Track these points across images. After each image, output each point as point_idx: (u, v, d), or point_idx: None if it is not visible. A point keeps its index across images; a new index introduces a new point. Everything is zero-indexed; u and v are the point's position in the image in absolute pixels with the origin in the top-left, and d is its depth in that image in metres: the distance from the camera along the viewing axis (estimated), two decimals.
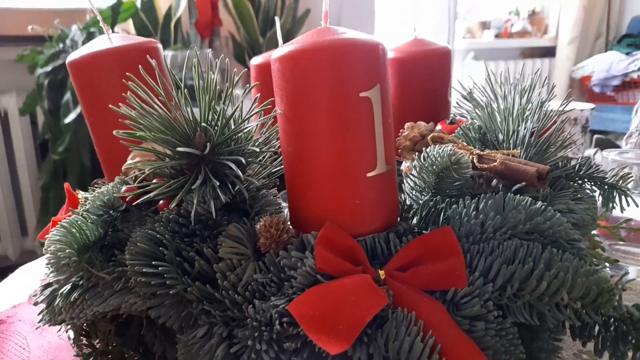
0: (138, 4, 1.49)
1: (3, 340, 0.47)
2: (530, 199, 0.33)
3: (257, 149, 0.33)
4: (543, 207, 0.33)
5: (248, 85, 0.35)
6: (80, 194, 0.45)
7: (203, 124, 0.32)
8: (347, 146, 0.32)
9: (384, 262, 0.32)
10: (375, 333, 0.28)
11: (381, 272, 0.31)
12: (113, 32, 1.33)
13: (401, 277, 0.31)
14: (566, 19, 2.55)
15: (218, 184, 0.31)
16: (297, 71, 0.31)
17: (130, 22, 1.52)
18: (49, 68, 1.41)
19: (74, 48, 1.42)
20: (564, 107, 0.44)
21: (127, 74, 0.31)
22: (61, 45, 1.44)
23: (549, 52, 2.67)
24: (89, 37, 1.41)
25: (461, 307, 0.30)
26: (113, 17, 1.44)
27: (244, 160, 0.32)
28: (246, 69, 0.33)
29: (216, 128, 0.33)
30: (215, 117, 0.33)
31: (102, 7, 1.49)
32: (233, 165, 0.32)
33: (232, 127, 0.34)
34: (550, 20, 2.68)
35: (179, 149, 0.31)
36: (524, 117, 0.42)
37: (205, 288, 0.32)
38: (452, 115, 0.50)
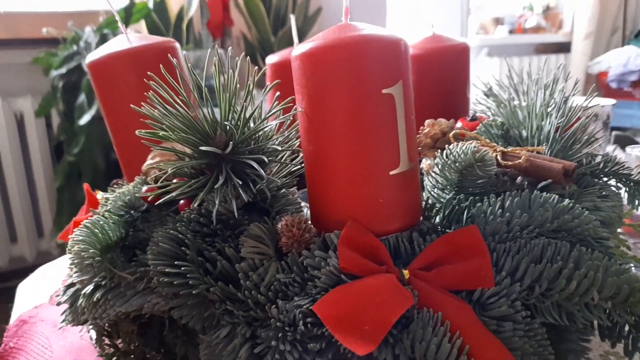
0: (150, 5, 1.50)
1: (26, 340, 0.47)
2: (557, 196, 0.33)
3: (279, 147, 0.32)
4: (570, 204, 0.32)
5: (268, 83, 0.35)
6: (100, 194, 0.45)
7: (224, 123, 0.32)
8: (369, 144, 0.31)
9: (408, 262, 0.32)
10: (401, 334, 0.28)
11: (405, 272, 0.31)
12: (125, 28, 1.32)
13: (426, 276, 0.31)
14: (581, 13, 2.51)
15: (240, 183, 0.31)
16: (318, 68, 0.31)
17: (142, 23, 1.53)
18: (63, 70, 1.42)
19: (88, 50, 1.43)
20: (588, 103, 0.43)
21: (148, 73, 0.31)
22: (75, 47, 1.45)
23: (564, 47, 2.64)
24: (102, 38, 1.42)
25: (488, 308, 0.29)
26: (126, 18, 1.45)
27: (266, 159, 0.31)
28: (257, 68, 0.33)
29: (237, 127, 0.33)
30: (236, 116, 0.33)
31: (115, 8, 1.50)
32: (255, 164, 0.31)
33: (252, 126, 0.33)
34: (565, 15, 2.64)
35: (202, 148, 0.30)
36: (548, 112, 0.42)
37: (227, 288, 0.31)
38: (471, 111, 0.50)
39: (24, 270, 1.65)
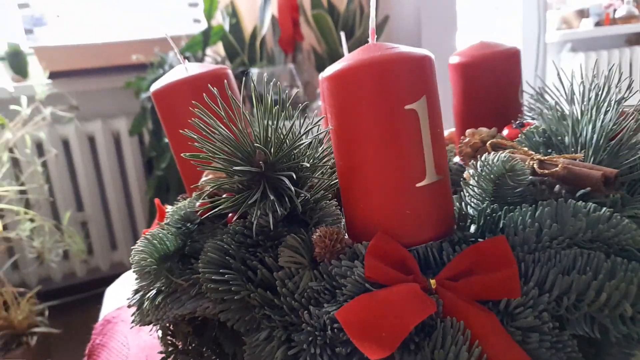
0: (226, 27, 1.60)
1: (109, 338, 0.53)
2: (593, 205, 0.32)
3: (307, 164, 0.35)
4: (607, 213, 0.31)
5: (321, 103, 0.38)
6: (168, 208, 0.50)
7: (256, 144, 0.35)
8: (394, 158, 0.33)
9: (437, 272, 0.33)
10: (423, 341, 0.29)
11: (432, 282, 0.32)
12: (204, 54, 1.42)
13: (453, 286, 0.31)
14: None
15: (273, 198, 0.34)
16: (343, 89, 0.33)
17: (220, 44, 1.63)
18: (151, 90, 1.56)
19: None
20: None
21: (193, 101, 0.35)
22: (161, 71, 1.58)
23: None
24: (184, 59, 1.54)
25: (515, 318, 0.30)
26: (204, 41, 1.56)
27: (294, 175, 0.34)
28: (288, 91, 0.36)
29: (274, 145, 0.36)
30: (272, 136, 0.36)
31: (194, 32, 1.62)
32: (286, 180, 0.34)
33: (288, 144, 0.36)
34: None
35: (237, 168, 0.34)
36: (596, 117, 0.40)
37: (266, 294, 0.34)
38: (519, 118, 0.49)
39: (123, 274, 1.83)
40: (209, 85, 0.41)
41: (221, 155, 0.35)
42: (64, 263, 1.71)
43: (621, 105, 0.41)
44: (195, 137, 0.34)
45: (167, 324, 0.42)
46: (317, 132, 0.38)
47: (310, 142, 0.37)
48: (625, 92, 0.41)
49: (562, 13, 2.34)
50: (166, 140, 1.49)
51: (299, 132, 0.38)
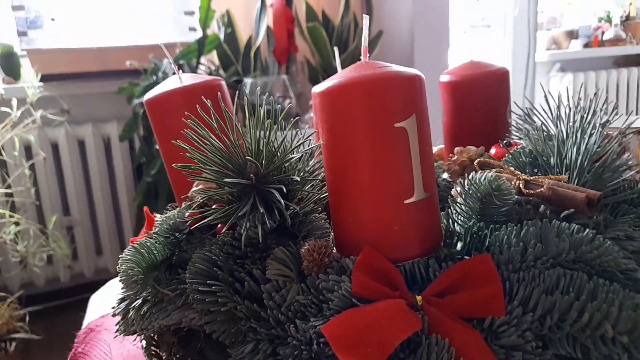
0: (221, 36, 1.61)
1: (92, 347, 0.53)
2: (577, 226, 0.32)
3: (298, 178, 0.35)
4: (590, 235, 0.32)
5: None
6: (157, 217, 0.50)
7: (247, 157, 0.35)
8: (383, 174, 0.33)
9: (423, 288, 0.33)
10: (407, 357, 0.29)
11: (418, 298, 0.32)
12: (199, 63, 1.42)
13: (438, 303, 0.32)
14: None
15: (262, 211, 0.34)
16: (335, 105, 0.33)
17: (214, 53, 1.64)
18: (144, 98, 1.56)
19: (166, 79, 1.56)
20: (629, 125, 0.42)
21: (186, 112, 0.35)
22: (154, 78, 1.58)
23: None
24: (178, 68, 1.54)
25: (499, 336, 0.30)
26: (199, 49, 1.56)
27: (284, 188, 0.34)
28: (279, 106, 0.36)
29: (265, 158, 0.36)
30: (264, 149, 0.36)
31: (190, 40, 1.62)
32: (276, 193, 0.34)
33: (279, 157, 0.36)
34: None
35: (227, 180, 0.34)
36: (581, 139, 0.41)
37: (253, 307, 0.34)
38: (507, 137, 0.50)
39: (107, 281, 1.80)
40: (202, 97, 0.41)
41: (212, 167, 0.35)
42: (48, 268, 1.69)
43: (605, 128, 0.42)
44: (187, 147, 0.35)
45: (152, 334, 0.41)
46: (309, 146, 0.38)
47: (301, 156, 0.38)
48: (611, 115, 0.42)
49: (552, 33, 2.39)
50: (157, 147, 1.48)
51: (291, 146, 0.38)
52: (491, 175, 0.34)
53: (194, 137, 0.35)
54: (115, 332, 0.41)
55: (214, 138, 0.36)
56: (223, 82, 0.48)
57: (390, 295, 0.32)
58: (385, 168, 0.33)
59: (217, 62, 1.66)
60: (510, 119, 0.56)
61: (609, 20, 2.43)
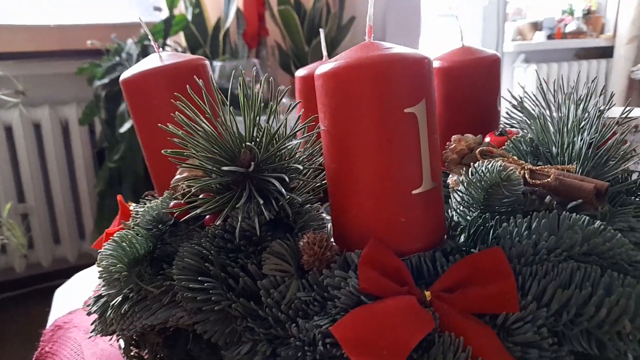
0: (189, 17, 1.54)
1: (60, 345, 0.49)
2: (587, 217, 0.31)
3: (301, 167, 0.33)
4: (602, 226, 0.31)
5: (293, 99, 0.35)
6: (132, 206, 0.47)
7: (247, 143, 0.32)
8: (391, 163, 0.31)
9: (430, 283, 0.32)
10: (421, 358, 0.27)
11: (427, 293, 0.30)
12: (165, 44, 1.35)
13: (448, 298, 0.30)
14: (625, 17, 2.42)
15: (262, 201, 0.31)
16: (341, 88, 0.31)
17: (181, 34, 1.57)
18: (106, 80, 1.48)
19: (130, 60, 1.48)
20: (627, 114, 0.41)
21: (175, 93, 0.32)
22: (117, 58, 1.50)
23: (605, 52, 2.54)
24: (143, 49, 1.47)
25: (513, 333, 0.29)
26: (165, 30, 1.49)
27: (287, 178, 0.32)
28: (280, 87, 0.33)
29: (260, 145, 0.34)
30: (260, 133, 0.34)
31: (155, 20, 1.55)
32: (277, 183, 0.32)
33: (276, 143, 0.34)
34: (607, 19, 2.55)
35: (224, 167, 0.31)
36: (580, 128, 0.40)
37: (249, 305, 0.32)
38: (501, 126, 0.49)
39: (66, 271, 1.72)
40: (186, 77, 0.38)
41: (204, 153, 0.32)
42: (2, 257, 1.59)
43: (602, 117, 0.41)
44: (177, 131, 0.31)
45: (132, 334, 0.38)
46: (306, 132, 0.36)
47: (299, 143, 0.35)
48: (608, 103, 0.42)
49: (517, 24, 2.43)
50: (121, 130, 1.41)
51: (285, 132, 0.35)
52: (500, 165, 0.33)
53: (184, 120, 0.32)
54: (91, 332, 0.38)
55: (206, 122, 0.33)
56: (207, 62, 0.44)
57: (398, 292, 0.30)
58: (393, 156, 0.31)
59: (184, 43, 1.60)
60: (499, 108, 0.55)
61: (571, 13, 2.49)
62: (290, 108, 0.34)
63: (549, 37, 2.42)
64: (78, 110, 1.62)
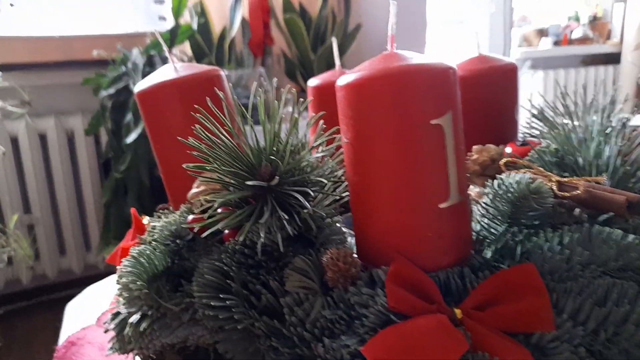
0: (194, 26, 1.54)
1: None
2: (621, 232, 0.30)
3: (324, 180, 0.32)
4: (637, 241, 0.30)
5: (306, 111, 0.35)
6: (146, 219, 0.46)
7: (269, 155, 0.32)
8: (417, 176, 0.30)
9: (459, 300, 0.31)
10: None
11: (457, 311, 0.29)
12: (171, 53, 1.36)
13: (479, 317, 0.29)
14: (631, 23, 2.41)
15: (286, 217, 0.30)
16: (364, 100, 0.30)
17: (187, 43, 1.57)
18: (112, 90, 1.48)
19: (135, 71, 1.48)
20: None
21: (195, 105, 0.31)
22: (123, 68, 1.50)
23: (612, 58, 2.53)
24: (149, 59, 1.47)
25: (549, 353, 0.28)
26: (171, 39, 1.49)
27: (311, 192, 0.31)
28: (297, 86, 0.33)
29: (282, 158, 0.33)
30: (281, 147, 0.33)
31: (161, 30, 1.55)
32: (300, 197, 0.31)
33: (297, 156, 0.33)
34: (613, 25, 2.54)
35: (248, 182, 0.30)
36: (606, 137, 0.39)
37: (272, 323, 0.31)
38: (521, 136, 0.48)
39: (71, 282, 1.71)
40: (201, 88, 0.37)
41: (226, 167, 0.31)
42: (8, 269, 1.58)
43: (627, 126, 0.40)
44: (197, 144, 0.31)
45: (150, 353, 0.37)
46: (326, 144, 0.35)
47: (320, 155, 0.34)
48: (632, 112, 0.41)
49: (523, 31, 2.43)
50: (127, 141, 1.41)
51: (306, 144, 0.35)
52: (529, 177, 0.32)
53: (204, 134, 0.31)
54: (109, 350, 0.37)
55: (226, 134, 0.32)
56: (222, 73, 0.44)
57: (427, 310, 0.29)
58: (418, 168, 0.30)
59: (189, 53, 1.60)
60: (517, 117, 0.54)
61: (577, 19, 2.49)
62: (312, 121, 0.34)
63: (555, 43, 2.42)
64: (84, 120, 1.62)
